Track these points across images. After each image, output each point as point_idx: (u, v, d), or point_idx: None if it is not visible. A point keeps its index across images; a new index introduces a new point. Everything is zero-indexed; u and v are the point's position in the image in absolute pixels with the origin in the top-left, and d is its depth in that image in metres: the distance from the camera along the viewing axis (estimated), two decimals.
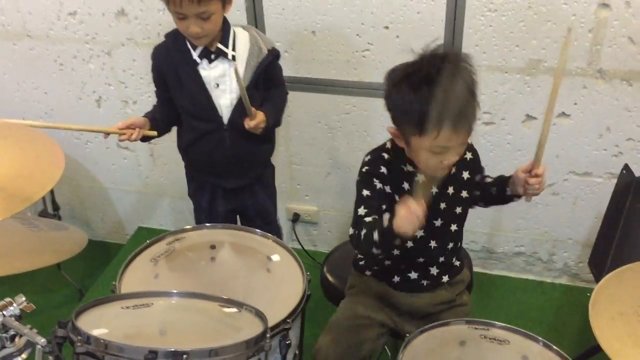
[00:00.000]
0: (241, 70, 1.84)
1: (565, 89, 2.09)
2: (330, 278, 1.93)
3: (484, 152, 2.28)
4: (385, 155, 1.55)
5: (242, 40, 1.87)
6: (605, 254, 1.86)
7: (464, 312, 1.71)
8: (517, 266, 2.55)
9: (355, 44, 2.19)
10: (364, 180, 1.54)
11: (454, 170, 1.57)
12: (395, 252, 1.60)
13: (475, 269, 2.45)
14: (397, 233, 1.32)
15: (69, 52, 2.47)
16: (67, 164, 1.27)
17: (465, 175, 1.60)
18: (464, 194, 1.60)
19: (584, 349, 1.91)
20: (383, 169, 1.53)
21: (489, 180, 1.67)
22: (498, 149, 2.27)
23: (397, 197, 1.54)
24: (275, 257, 1.74)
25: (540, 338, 1.48)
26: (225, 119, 1.90)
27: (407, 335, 1.48)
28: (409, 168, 1.54)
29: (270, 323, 1.35)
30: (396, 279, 1.64)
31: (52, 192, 2.67)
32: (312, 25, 2.19)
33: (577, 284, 2.51)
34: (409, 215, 1.28)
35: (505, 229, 2.47)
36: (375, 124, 2.33)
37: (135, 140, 1.84)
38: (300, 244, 2.69)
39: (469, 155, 1.61)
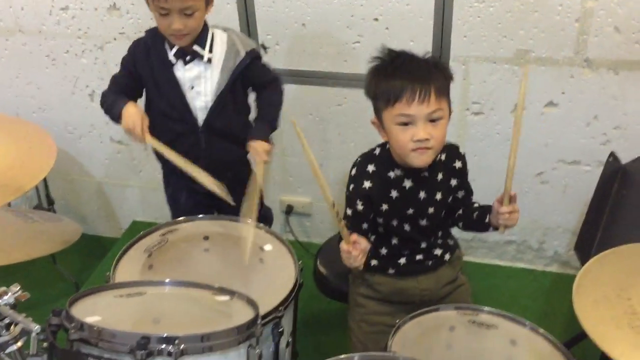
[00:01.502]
0: (216, 74, 1.83)
1: (553, 79, 2.11)
2: (323, 270, 1.95)
3: (474, 142, 2.30)
4: (370, 169, 1.59)
5: (219, 42, 1.84)
6: (591, 240, 1.89)
7: (466, 291, 1.75)
8: (507, 254, 2.58)
9: (346, 36, 2.21)
10: (348, 198, 1.62)
11: (441, 176, 1.61)
12: (393, 241, 1.65)
13: (466, 258, 2.47)
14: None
15: (61, 47, 2.48)
16: (61, 158, 1.29)
17: (454, 182, 1.65)
18: (450, 199, 1.66)
19: (574, 334, 1.94)
20: (366, 184, 1.58)
21: (475, 205, 1.69)
22: (487, 139, 2.29)
23: (384, 207, 1.59)
24: (268, 247, 1.77)
25: (527, 322, 1.51)
26: (200, 121, 1.87)
27: (397, 321, 1.51)
28: (397, 173, 1.58)
29: (263, 311, 1.38)
30: (402, 261, 1.67)
31: (46, 186, 2.68)
32: (302, 18, 2.21)
33: (568, 272, 2.54)
34: (344, 255, 1.47)
35: None
36: (366, 116, 2.31)
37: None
38: (294, 235, 2.71)
39: (458, 164, 1.65)
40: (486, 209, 1.61)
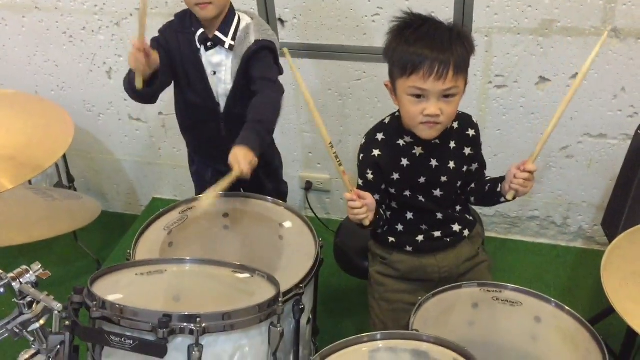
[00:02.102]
0: (231, 59, 1.79)
1: (578, 49, 2.05)
2: (343, 247, 1.94)
3: (497, 115, 2.26)
4: (380, 137, 1.58)
5: (241, 27, 1.80)
6: (619, 215, 1.85)
7: (487, 268, 1.72)
8: (531, 230, 2.55)
9: (365, 9, 2.16)
10: (359, 167, 1.61)
11: (454, 144, 1.58)
12: (408, 216, 1.63)
13: (488, 234, 2.44)
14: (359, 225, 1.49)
15: (78, 24, 2.46)
16: (80, 136, 1.28)
17: (467, 151, 1.61)
18: (465, 169, 1.61)
19: (598, 310, 1.91)
20: (375, 152, 1.56)
21: (487, 178, 1.66)
22: (511, 112, 2.24)
23: (395, 175, 1.57)
24: (287, 224, 1.76)
25: (552, 299, 1.49)
26: (222, 108, 1.85)
27: (419, 298, 1.49)
28: (406, 140, 1.55)
29: (283, 288, 1.36)
30: (420, 238, 1.65)
31: (66, 164, 2.69)
32: None
33: (592, 247, 2.50)
34: (348, 206, 1.45)
35: None
36: (385, 90, 2.30)
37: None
38: (313, 212, 2.70)
39: (471, 132, 1.62)
40: (498, 180, 1.58)
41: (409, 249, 1.65)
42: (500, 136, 2.29)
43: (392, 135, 1.57)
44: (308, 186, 2.67)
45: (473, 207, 1.77)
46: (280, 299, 1.27)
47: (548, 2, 1.99)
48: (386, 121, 1.61)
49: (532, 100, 2.19)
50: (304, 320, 1.57)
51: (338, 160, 1.39)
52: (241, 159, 1.55)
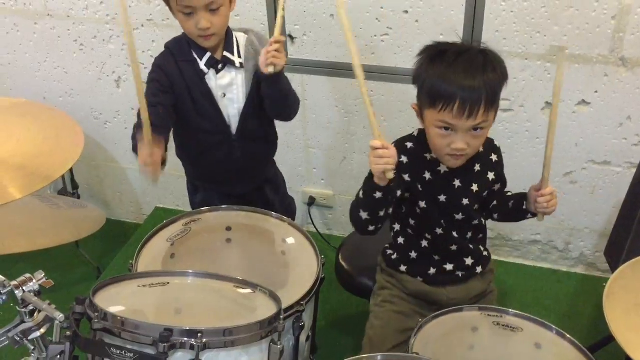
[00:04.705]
0: (241, 77, 1.79)
1: (586, 77, 2.06)
2: (345, 265, 1.93)
3: (502, 139, 2.26)
4: (409, 145, 1.56)
5: (242, 44, 1.80)
6: (622, 244, 1.85)
7: (493, 298, 1.71)
8: (532, 254, 2.54)
9: (374, 29, 2.18)
10: None
11: (478, 168, 1.57)
12: (423, 243, 1.61)
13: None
14: (374, 182, 1.37)
15: (89, 32, 2.48)
16: (86, 144, 1.29)
17: (491, 176, 1.60)
18: (486, 194, 1.61)
19: (597, 338, 1.91)
20: (403, 158, 1.53)
21: (509, 194, 1.67)
22: (516, 137, 2.25)
23: (419, 187, 1.54)
24: (290, 240, 1.76)
25: (553, 326, 1.48)
26: (234, 129, 1.83)
27: (420, 320, 1.49)
28: (433, 155, 1.53)
29: (284, 305, 1.36)
30: (432, 271, 1.63)
31: (71, 171, 2.70)
32: (331, 9, 2.18)
33: (593, 274, 2.49)
34: (372, 154, 1.33)
35: None
36: (392, 109, 2.32)
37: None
38: (315, 227, 2.70)
39: (494, 157, 1.62)
40: (522, 196, 1.58)
41: (419, 279, 1.64)
42: (506, 159, 2.27)
43: (420, 147, 1.55)
44: (311, 201, 2.68)
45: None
46: (281, 317, 1.27)
47: (557, 29, 2.00)
48: (415, 134, 1.59)
49: (538, 125, 2.20)
50: (303, 337, 1.56)
51: (370, 99, 1.34)
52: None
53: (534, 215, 1.56)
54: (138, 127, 1.59)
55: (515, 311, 1.52)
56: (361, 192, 1.47)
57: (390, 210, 1.53)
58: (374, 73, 2.26)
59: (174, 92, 1.76)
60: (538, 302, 2.36)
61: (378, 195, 1.41)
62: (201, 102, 1.79)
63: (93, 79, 2.60)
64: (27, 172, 1.07)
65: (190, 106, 1.79)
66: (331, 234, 2.74)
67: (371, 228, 1.50)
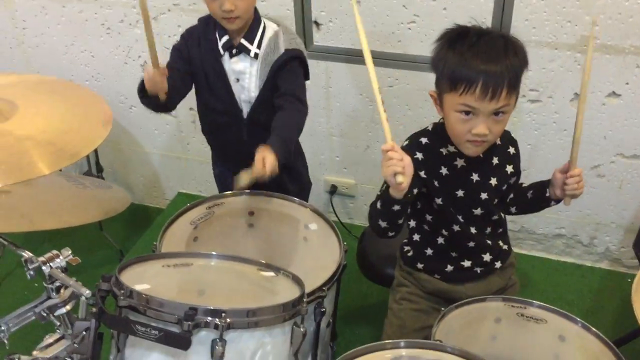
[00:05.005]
0: (256, 68, 1.78)
1: (617, 68, 2.02)
2: (366, 253, 1.93)
3: (529, 130, 2.23)
4: (424, 140, 1.52)
5: (267, 35, 1.79)
6: None
7: (515, 291, 1.68)
8: (556, 248, 2.51)
9: (401, 16, 2.16)
10: None
11: (497, 161, 1.54)
12: (439, 240, 1.58)
13: (513, 250, 2.41)
14: (391, 195, 1.34)
15: (116, 16, 2.50)
16: (111, 127, 1.29)
17: (509, 169, 1.57)
18: (505, 187, 1.58)
19: (621, 334, 1.88)
20: (418, 155, 1.50)
21: (524, 185, 1.63)
22: (543, 128, 2.22)
23: (435, 183, 1.51)
24: (313, 226, 1.76)
25: (579, 319, 1.46)
26: (245, 114, 1.84)
27: (443, 309, 1.48)
28: (450, 149, 1.50)
29: (307, 290, 1.36)
30: (449, 268, 1.60)
31: (96, 154, 2.73)
32: None
33: (618, 269, 2.45)
34: (384, 158, 1.29)
35: (546, 210, 2.42)
36: (417, 98, 2.30)
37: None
38: (336, 215, 2.69)
39: (512, 150, 1.59)
40: (542, 184, 1.55)
41: (436, 276, 1.62)
42: (531, 151, 2.26)
43: (435, 142, 1.51)
44: (333, 190, 2.67)
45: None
46: (304, 300, 1.26)
47: (588, 19, 1.96)
48: (429, 128, 1.56)
49: (566, 117, 2.16)
50: (324, 323, 1.57)
51: (383, 105, 1.31)
52: (268, 161, 1.54)
53: (558, 201, 1.52)
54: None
55: (539, 303, 1.50)
56: (378, 203, 1.44)
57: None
58: (400, 61, 2.24)
59: (190, 63, 1.81)
60: (561, 297, 2.33)
61: (396, 207, 1.40)
62: (214, 81, 1.81)
63: (119, 62, 2.61)
64: (56, 149, 1.07)
65: (204, 83, 1.83)
66: (352, 223, 2.73)
67: (391, 234, 1.49)
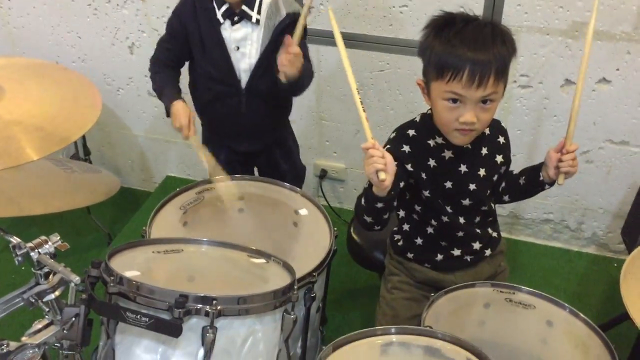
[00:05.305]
0: (261, 34, 1.78)
1: (607, 54, 2.02)
2: (356, 238, 1.93)
3: (519, 115, 2.24)
4: (411, 132, 1.51)
5: (265, 1, 1.78)
6: (639, 225, 1.83)
7: (504, 278, 1.69)
8: (544, 233, 2.53)
9: None
10: None
11: (485, 151, 1.52)
12: (429, 230, 1.57)
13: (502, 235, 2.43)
14: (375, 193, 1.35)
15: None
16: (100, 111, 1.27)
17: (499, 159, 1.55)
18: (495, 177, 1.56)
19: (607, 318, 1.91)
20: (405, 148, 1.49)
21: (514, 173, 1.61)
22: (533, 113, 2.22)
23: (423, 175, 1.49)
24: (303, 211, 1.75)
25: (567, 305, 1.48)
26: (243, 84, 1.84)
27: (432, 295, 1.49)
28: (437, 141, 1.48)
29: (297, 275, 1.36)
30: (439, 257, 1.60)
31: (83, 137, 2.69)
32: None
33: (605, 254, 2.48)
34: (366, 157, 1.29)
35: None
36: (408, 83, 2.30)
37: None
38: (326, 200, 2.69)
39: (502, 139, 1.57)
40: (534, 169, 1.53)
41: (427, 265, 1.62)
42: (521, 136, 2.27)
43: (423, 133, 1.50)
44: (322, 174, 2.67)
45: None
46: (295, 287, 1.26)
47: (580, 5, 1.96)
48: (417, 119, 1.54)
49: (556, 103, 2.17)
50: (314, 308, 1.57)
51: (362, 105, 1.32)
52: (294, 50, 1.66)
53: (551, 184, 1.50)
54: (155, 62, 1.87)
55: (528, 288, 1.52)
56: (363, 200, 1.43)
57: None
58: (391, 45, 2.23)
59: (187, 36, 1.82)
60: (548, 282, 2.36)
61: (379, 205, 1.38)
62: (212, 50, 1.80)
63: (106, 44, 2.57)
64: (45, 134, 1.06)
65: (200, 53, 1.83)
66: (342, 207, 2.73)
67: (377, 228, 1.48)
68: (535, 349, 1.50)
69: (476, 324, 1.54)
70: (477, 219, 1.59)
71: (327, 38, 2.27)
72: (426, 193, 1.51)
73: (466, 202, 1.53)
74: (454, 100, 1.35)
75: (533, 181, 1.53)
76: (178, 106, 1.76)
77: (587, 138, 2.21)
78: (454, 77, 1.32)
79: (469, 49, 1.31)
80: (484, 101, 1.35)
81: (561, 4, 1.98)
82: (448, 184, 1.51)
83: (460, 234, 1.57)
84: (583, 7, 1.96)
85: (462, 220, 1.55)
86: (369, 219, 1.45)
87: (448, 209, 1.53)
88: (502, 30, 1.37)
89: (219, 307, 1.09)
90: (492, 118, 1.46)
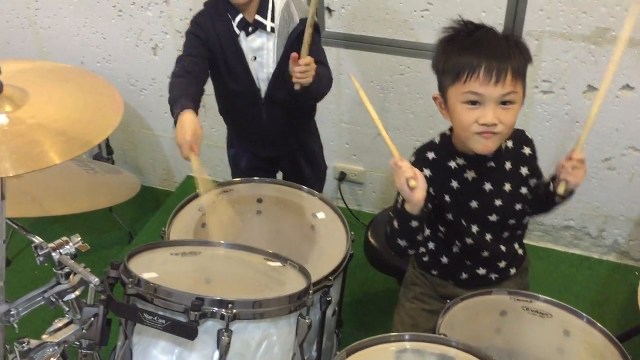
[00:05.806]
0: (273, 42, 1.78)
1: (632, 61, 1.99)
2: (373, 242, 1.94)
3: (540, 121, 2.22)
4: (430, 155, 1.48)
5: (278, 8, 1.78)
6: None
7: (524, 289, 1.64)
8: (564, 240, 2.51)
9: (415, 3, 2.14)
10: None
11: (509, 165, 1.48)
12: (454, 249, 1.54)
13: None
14: (408, 211, 1.34)
15: None
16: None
17: (524, 171, 1.49)
18: (524, 190, 1.49)
19: (627, 327, 1.88)
20: (426, 172, 1.45)
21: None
22: (555, 119, 2.20)
23: (446, 198, 1.47)
24: (321, 215, 1.76)
25: (584, 314, 1.46)
26: (263, 93, 1.84)
27: (448, 301, 1.48)
28: (459, 162, 1.45)
29: (313, 279, 1.37)
30: (464, 276, 1.57)
31: (107, 137, 2.73)
32: None
33: (626, 262, 2.45)
34: (397, 175, 1.30)
35: None
36: (428, 87, 2.27)
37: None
38: (344, 202, 2.70)
39: (527, 150, 1.51)
40: (550, 180, 1.47)
41: (450, 282, 1.60)
42: (542, 142, 2.22)
43: (443, 155, 1.46)
44: (342, 177, 2.67)
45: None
46: (310, 292, 1.27)
47: (604, 10, 1.94)
48: (436, 141, 1.51)
49: (578, 109, 2.15)
50: (329, 311, 1.58)
51: (386, 130, 1.35)
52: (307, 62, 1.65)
53: (564, 198, 1.43)
54: (175, 76, 1.73)
55: (545, 297, 1.50)
56: (395, 222, 1.41)
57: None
58: (412, 49, 2.23)
59: (208, 47, 1.79)
60: (567, 289, 2.33)
61: (414, 224, 1.37)
62: (232, 62, 1.81)
63: (130, 45, 2.61)
64: (67, 138, 1.08)
65: (223, 66, 1.82)
66: (360, 210, 2.73)
67: (411, 252, 1.48)
68: (552, 359, 1.49)
69: (492, 331, 1.54)
70: (505, 234, 1.54)
71: (345, 41, 2.28)
72: (449, 216, 1.49)
73: (493, 217, 1.49)
74: (473, 102, 1.32)
75: (546, 193, 1.47)
76: (185, 118, 1.62)
77: (610, 145, 2.18)
78: (470, 76, 1.30)
79: (484, 48, 1.31)
80: (504, 102, 1.32)
81: (584, 9, 1.96)
82: (474, 204, 1.48)
83: (486, 253, 1.53)
84: (606, 13, 1.94)
85: (489, 237, 1.51)
86: (402, 243, 1.44)
87: (474, 228, 1.49)
88: (515, 39, 1.36)
89: (234, 311, 1.11)
90: (515, 128, 1.42)
